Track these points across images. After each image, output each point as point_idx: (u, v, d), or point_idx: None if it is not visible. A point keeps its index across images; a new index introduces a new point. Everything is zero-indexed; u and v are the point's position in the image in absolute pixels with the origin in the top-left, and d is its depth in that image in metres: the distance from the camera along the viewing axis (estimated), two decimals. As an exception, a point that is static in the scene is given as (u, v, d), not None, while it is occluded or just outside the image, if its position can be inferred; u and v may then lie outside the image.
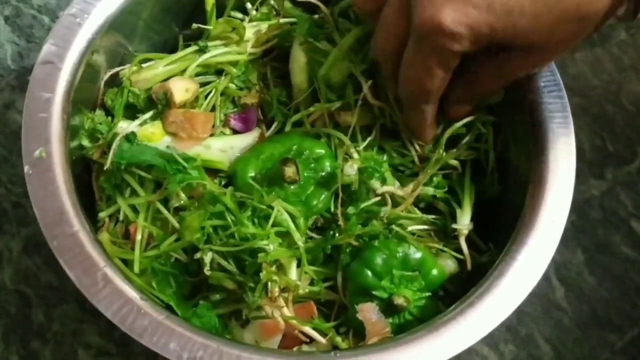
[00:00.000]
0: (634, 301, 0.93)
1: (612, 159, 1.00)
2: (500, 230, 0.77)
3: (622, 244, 0.96)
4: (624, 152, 1.00)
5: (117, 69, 0.84)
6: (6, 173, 0.94)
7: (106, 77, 0.84)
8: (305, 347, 0.75)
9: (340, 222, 0.76)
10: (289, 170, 0.74)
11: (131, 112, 0.82)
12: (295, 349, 0.75)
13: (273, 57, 0.88)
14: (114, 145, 0.76)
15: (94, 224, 0.79)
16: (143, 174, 0.78)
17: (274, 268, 0.73)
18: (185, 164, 0.76)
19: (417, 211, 0.81)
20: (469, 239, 0.80)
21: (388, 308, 0.74)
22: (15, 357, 0.87)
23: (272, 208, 0.74)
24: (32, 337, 0.88)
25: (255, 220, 0.74)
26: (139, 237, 0.76)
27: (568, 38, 0.67)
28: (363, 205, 0.78)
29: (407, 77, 0.71)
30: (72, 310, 0.89)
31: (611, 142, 1.00)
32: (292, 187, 0.76)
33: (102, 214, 0.79)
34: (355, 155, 0.79)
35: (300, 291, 0.75)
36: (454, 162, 0.81)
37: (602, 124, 1.01)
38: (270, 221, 0.73)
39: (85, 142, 0.79)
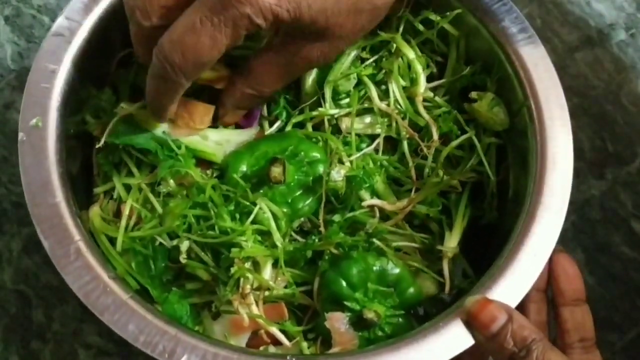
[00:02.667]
0: (634, 301, 0.93)
1: (612, 159, 0.99)
2: (487, 258, 0.75)
3: (622, 244, 0.95)
4: (624, 152, 0.99)
5: (131, 49, 0.83)
6: (6, 173, 0.95)
7: (119, 55, 0.84)
8: (271, 348, 0.74)
9: (322, 229, 0.76)
10: (276, 171, 0.74)
11: (138, 94, 0.81)
12: (261, 348, 0.74)
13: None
14: (110, 125, 0.77)
15: (89, 198, 0.80)
16: (140, 156, 0.78)
17: (248, 265, 0.73)
18: (177, 151, 0.76)
19: (408, 227, 0.80)
20: (457, 264, 0.80)
21: (359, 321, 0.73)
22: (15, 357, 0.88)
23: (256, 205, 0.74)
24: (32, 337, 0.89)
25: (237, 215, 0.74)
26: (125, 215, 0.77)
27: (360, 27, 0.72)
28: (349, 214, 0.77)
29: (183, 41, 0.65)
30: (72, 310, 0.90)
31: (611, 142, 1.00)
32: (279, 187, 0.76)
33: (97, 190, 0.80)
34: (347, 162, 0.79)
35: (275, 292, 0.74)
36: (454, 182, 0.80)
37: (602, 124, 1.00)
38: (250, 218, 0.73)
39: (89, 117, 0.80)
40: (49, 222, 0.70)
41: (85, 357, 0.88)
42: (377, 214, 0.78)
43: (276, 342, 0.74)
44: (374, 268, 0.74)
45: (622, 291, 0.93)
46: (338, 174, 0.76)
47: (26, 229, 0.93)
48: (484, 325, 0.66)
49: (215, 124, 0.80)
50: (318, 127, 0.83)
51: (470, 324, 0.67)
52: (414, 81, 0.83)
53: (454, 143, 0.80)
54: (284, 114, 0.83)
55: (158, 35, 0.66)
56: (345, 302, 0.74)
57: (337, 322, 0.73)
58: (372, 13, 0.71)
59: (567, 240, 0.95)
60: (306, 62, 0.73)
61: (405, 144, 0.81)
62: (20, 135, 0.73)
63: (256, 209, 0.73)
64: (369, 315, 0.72)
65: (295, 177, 0.77)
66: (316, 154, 0.78)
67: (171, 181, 0.76)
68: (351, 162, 0.79)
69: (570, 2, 1.08)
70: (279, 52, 0.72)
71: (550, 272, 0.74)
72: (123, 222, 0.76)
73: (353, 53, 0.82)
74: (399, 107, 0.82)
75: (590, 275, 0.94)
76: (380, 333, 0.74)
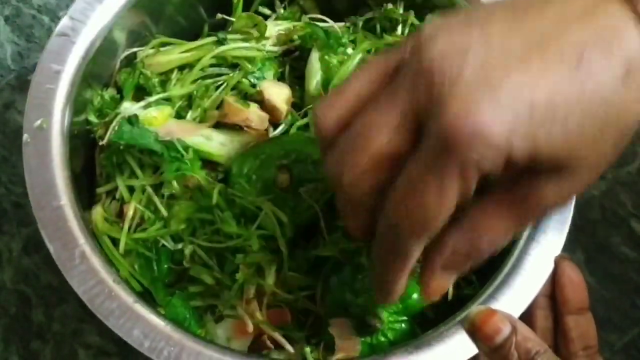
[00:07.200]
0: (634, 301, 0.93)
1: (612, 159, 0.99)
2: (488, 263, 0.75)
3: (622, 244, 0.95)
4: (624, 152, 0.99)
5: (135, 49, 0.85)
6: (6, 173, 0.95)
7: (123, 55, 0.84)
8: (274, 353, 0.74)
9: (325, 235, 0.76)
10: (282, 177, 0.74)
11: (142, 94, 0.82)
12: (265, 352, 0.74)
13: (294, 57, 0.87)
14: (113, 125, 0.77)
15: (92, 197, 0.80)
16: (143, 157, 0.78)
17: (253, 270, 0.73)
18: (184, 152, 0.76)
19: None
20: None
21: (362, 326, 0.73)
22: (15, 357, 0.88)
23: (261, 210, 0.73)
24: (32, 337, 0.89)
25: (242, 219, 0.74)
26: (129, 216, 0.77)
27: (608, 151, 0.54)
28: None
29: (406, 203, 0.53)
30: (72, 310, 0.90)
31: (611, 142, 1.00)
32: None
33: (100, 190, 0.80)
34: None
35: (279, 297, 0.74)
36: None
37: (602, 124, 1.01)
38: (256, 223, 0.73)
39: (92, 118, 0.80)
40: (53, 225, 0.70)
41: (85, 357, 0.88)
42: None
43: (279, 346, 0.74)
44: (378, 274, 0.74)
45: (622, 291, 0.93)
46: (343, 179, 0.75)
47: (26, 229, 0.93)
48: (488, 337, 0.66)
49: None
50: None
51: (474, 335, 0.67)
52: (418, 85, 0.82)
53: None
54: (288, 117, 0.83)
55: (369, 206, 0.56)
56: (349, 308, 0.74)
57: (341, 328, 0.73)
58: (619, 136, 0.54)
59: (567, 240, 0.95)
60: (541, 207, 0.55)
61: (409, 148, 0.81)
62: (25, 136, 0.72)
63: (262, 215, 0.73)
64: (373, 321, 0.72)
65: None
66: (320, 158, 0.77)
67: (175, 184, 0.76)
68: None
69: (570, 1, 1.08)
70: (505, 196, 0.55)
71: (555, 280, 0.73)
72: (126, 224, 0.76)
73: (358, 56, 0.81)
74: (403, 111, 0.81)
75: (590, 275, 0.94)
76: (382, 339, 0.74)
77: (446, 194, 0.51)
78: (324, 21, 0.85)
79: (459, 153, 0.48)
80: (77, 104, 0.77)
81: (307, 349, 0.73)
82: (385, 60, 0.56)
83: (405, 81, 0.52)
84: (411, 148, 0.52)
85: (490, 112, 0.48)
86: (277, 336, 0.73)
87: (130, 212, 0.77)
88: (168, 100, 0.81)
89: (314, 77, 0.82)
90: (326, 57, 0.82)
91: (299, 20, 0.88)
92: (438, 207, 0.52)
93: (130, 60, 0.84)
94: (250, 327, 0.72)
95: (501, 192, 0.55)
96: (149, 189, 0.77)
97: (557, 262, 0.72)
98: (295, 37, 0.86)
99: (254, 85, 0.82)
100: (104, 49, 0.80)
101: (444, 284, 0.61)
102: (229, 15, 0.87)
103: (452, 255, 0.58)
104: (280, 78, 0.86)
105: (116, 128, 0.77)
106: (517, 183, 0.54)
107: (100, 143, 0.78)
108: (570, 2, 0.52)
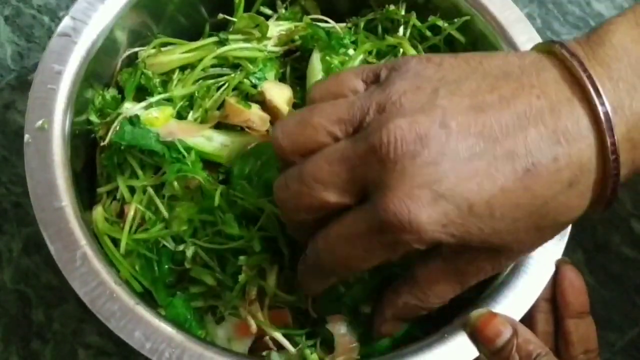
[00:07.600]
0: (634, 301, 0.93)
1: (612, 159, 0.99)
2: None
3: (621, 244, 0.95)
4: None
5: (136, 49, 0.85)
6: (6, 173, 0.95)
7: (124, 55, 0.84)
8: (274, 354, 0.74)
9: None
10: None
11: (143, 94, 0.82)
12: (264, 353, 0.74)
13: (295, 58, 0.87)
14: (115, 125, 0.77)
15: (92, 197, 0.80)
16: (144, 157, 0.78)
17: (255, 271, 0.73)
18: (185, 154, 0.76)
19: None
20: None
21: (356, 317, 0.73)
22: (15, 357, 0.88)
23: (262, 211, 0.73)
24: (32, 337, 0.89)
25: (243, 221, 0.73)
26: (130, 217, 0.77)
27: (540, 242, 0.61)
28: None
29: (336, 247, 0.59)
30: (72, 310, 0.90)
31: (611, 142, 1.00)
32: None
33: (100, 190, 0.80)
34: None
35: (280, 298, 0.74)
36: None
37: (602, 124, 1.01)
38: (258, 225, 0.73)
39: (93, 118, 0.80)
40: (55, 226, 0.70)
41: (85, 357, 0.88)
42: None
43: (280, 347, 0.74)
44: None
45: (622, 291, 0.94)
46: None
47: (26, 229, 0.92)
48: (489, 340, 0.66)
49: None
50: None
51: (476, 338, 0.67)
52: (419, 86, 0.82)
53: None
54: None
55: (309, 223, 0.61)
56: (341, 299, 0.74)
57: (338, 324, 0.73)
58: (555, 228, 0.60)
59: (567, 240, 0.95)
60: (481, 274, 0.62)
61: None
62: (26, 137, 0.72)
63: (263, 216, 0.73)
64: (366, 310, 0.73)
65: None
66: (321, 159, 0.77)
67: (176, 184, 0.76)
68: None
69: (570, 2, 1.08)
70: (449, 261, 0.61)
71: (556, 284, 0.74)
72: (127, 224, 0.76)
73: (360, 57, 0.82)
74: (404, 112, 0.81)
75: (590, 275, 0.94)
76: (384, 341, 0.73)
77: (371, 257, 0.58)
78: (326, 22, 0.86)
79: (392, 234, 0.54)
80: (78, 104, 0.77)
81: (308, 351, 0.73)
82: (352, 105, 0.58)
83: (361, 148, 0.55)
84: (353, 203, 0.57)
85: (429, 211, 0.53)
86: (279, 337, 0.73)
87: (131, 213, 0.77)
88: (169, 100, 0.81)
89: (315, 77, 0.82)
90: (327, 57, 0.81)
91: (301, 20, 0.87)
92: (362, 263, 0.59)
93: (131, 60, 0.84)
94: (254, 328, 0.72)
95: (447, 257, 0.61)
96: (150, 190, 0.77)
97: (558, 265, 0.72)
98: (297, 37, 0.86)
99: (255, 86, 0.82)
100: (105, 49, 0.80)
101: (394, 329, 0.70)
102: (231, 15, 0.86)
103: (403, 309, 0.67)
104: (282, 79, 0.86)
105: (117, 128, 0.77)
106: (462, 252, 0.59)
107: (102, 143, 0.78)
108: (533, 102, 0.54)
